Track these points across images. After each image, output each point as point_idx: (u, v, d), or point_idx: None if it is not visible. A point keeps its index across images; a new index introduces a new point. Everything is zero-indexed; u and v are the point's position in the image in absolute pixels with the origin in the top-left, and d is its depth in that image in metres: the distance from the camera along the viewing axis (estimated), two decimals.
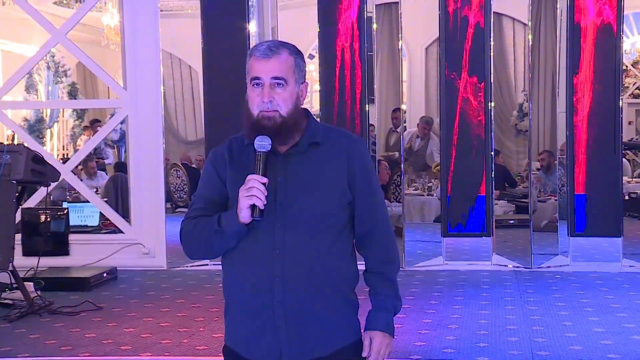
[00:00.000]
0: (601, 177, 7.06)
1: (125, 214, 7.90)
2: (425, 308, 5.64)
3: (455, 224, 7.27)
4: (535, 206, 8.59)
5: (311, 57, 11.21)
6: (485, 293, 6.17)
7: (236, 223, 2.20)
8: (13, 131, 10.31)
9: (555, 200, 9.33)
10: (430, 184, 10.33)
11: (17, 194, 5.88)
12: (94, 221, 8.09)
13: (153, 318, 5.49)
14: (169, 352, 4.65)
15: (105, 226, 8.07)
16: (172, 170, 11.86)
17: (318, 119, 6.51)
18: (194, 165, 12.38)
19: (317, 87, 7.66)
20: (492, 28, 7.27)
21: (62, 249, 6.61)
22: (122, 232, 7.60)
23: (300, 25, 10.31)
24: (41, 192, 7.13)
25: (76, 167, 9.11)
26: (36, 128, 13.26)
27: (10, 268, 5.71)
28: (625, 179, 9.83)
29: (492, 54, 7.26)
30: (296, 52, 2.28)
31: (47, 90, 13.76)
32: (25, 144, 6.88)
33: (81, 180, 9.39)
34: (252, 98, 2.25)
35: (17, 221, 6.17)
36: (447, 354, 4.54)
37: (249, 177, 2.18)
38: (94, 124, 12.72)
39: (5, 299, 5.86)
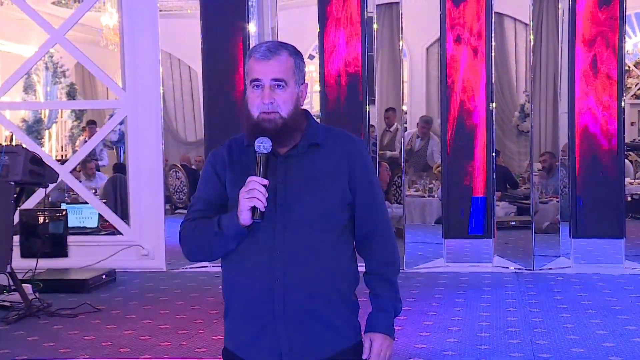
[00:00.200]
0: (603, 178, 7.03)
1: (124, 216, 7.88)
2: (426, 310, 5.62)
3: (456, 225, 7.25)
4: (536, 207, 8.56)
5: (311, 57, 11.19)
6: (487, 295, 6.15)
7: (236, 225, 2.19)
8: (11, 132, 10.29)
9: (557, 201, 9.30)
10: (431, 185, 10.31)
11: (15, 195, 5.86)
12: (93, 223, 8.05)
13: (152, 320, 5.47)
14: (168, 355, 4.63)
15: (104, 228, 8.04)
16: (171, 171, 11.83)
17: (318, 120, 6.52)
18: (193, 167, 12.37)
19: (317, 87, 7.64)
20: (493, 28, 7.24)
21: (60, 250, 6.58)
22: (121, 233, 7.58)
23: (300, 25, 10.27)
24: (39, 194, 7.11)
25: (75, 168, 9.07)
26: (34, 129, 13.25)
27: (8, 270, 5.69)
28: (627, 180, 9.81)
29: (493, 54, 7.23)
30: (296, 53, 2.27)
31: (45, 91, 13.74)
32: (24, 145, 6.85)
33: (80, 181, 9.36)
34: (252, 99, 2.24)
35: (15, 222, 6.16)
36: (448, 356, 4.52)
37: (250, 178, 2.17)
38: (90, 126, 12.68)
39: (4, 301, 5.84)
